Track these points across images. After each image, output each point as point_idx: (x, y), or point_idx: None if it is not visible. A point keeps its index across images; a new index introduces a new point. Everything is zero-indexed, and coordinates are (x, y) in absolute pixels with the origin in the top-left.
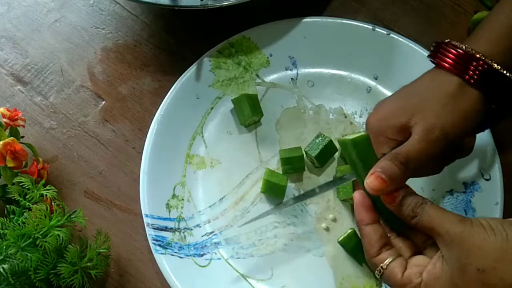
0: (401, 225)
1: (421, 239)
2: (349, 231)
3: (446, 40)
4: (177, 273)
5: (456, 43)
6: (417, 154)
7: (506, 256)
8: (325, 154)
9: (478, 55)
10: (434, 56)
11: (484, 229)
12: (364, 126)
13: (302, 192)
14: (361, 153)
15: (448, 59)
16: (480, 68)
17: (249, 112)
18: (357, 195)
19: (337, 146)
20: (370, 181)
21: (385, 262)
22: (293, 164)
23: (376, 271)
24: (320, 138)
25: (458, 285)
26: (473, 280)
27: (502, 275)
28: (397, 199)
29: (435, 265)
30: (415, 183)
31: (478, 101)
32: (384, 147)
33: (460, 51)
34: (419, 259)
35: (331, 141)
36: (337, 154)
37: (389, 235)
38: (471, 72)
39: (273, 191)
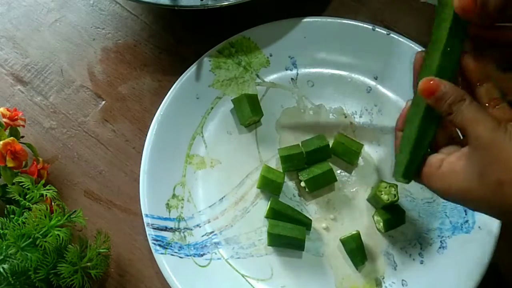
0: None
1: None
2: (354, 232)
3: None
4: (177, 273)
5: None
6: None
7: None
8: (317, 154)
9: None
10: None
11: None
12: (364, 126)
13: (300, 190)
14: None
15: None
16: None
17: (249, 112)
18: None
19: (330, 143)
20: None
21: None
22: (293, 161)
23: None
24: (318, 140)
25: (472, 188)
26: (489, 189)
27: None
28: (437, 92)
29: (459, 159)
30: (415, 183)
31: None
32: None
33: None
34: (449, 148)
35: (327, 146)
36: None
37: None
38: None
39: (270, 188)
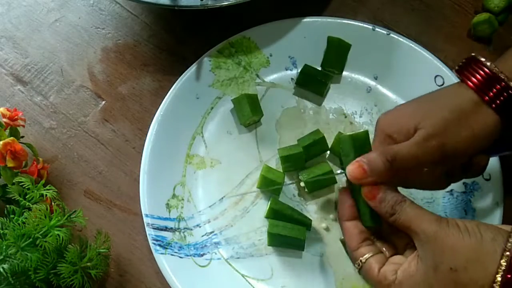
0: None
1: (403, 242)
2: None
3: (481, 59)
4: (177, 273)
5: (484, 62)
6: (406, 156)
7: (479, 257)
8: (314, 148)
9: (503, 77)
10: (461, 72)
11: (459, 229)
12: (364, 126)
13: (300, 190)
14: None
15: (474, 79)
16: (503, 91)
17: (249, 112)
18: (343, 192)
19: (330, 143)
20: (352, 168)
21: (365, 256)
22: (293, 161)
23: (356, 265)
24: (314, 134)
25: (431, 284)
26: (445, 279)
27: (472, 275)
28: (377, 196)
29: (410, 263)
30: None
31: (492, 123)
32: (385, 145)
33: (487, 70)
34: (396, 258)
35: (323, 138)
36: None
37: (372, 237)
38: (492, 94)
39: (269, 187)
